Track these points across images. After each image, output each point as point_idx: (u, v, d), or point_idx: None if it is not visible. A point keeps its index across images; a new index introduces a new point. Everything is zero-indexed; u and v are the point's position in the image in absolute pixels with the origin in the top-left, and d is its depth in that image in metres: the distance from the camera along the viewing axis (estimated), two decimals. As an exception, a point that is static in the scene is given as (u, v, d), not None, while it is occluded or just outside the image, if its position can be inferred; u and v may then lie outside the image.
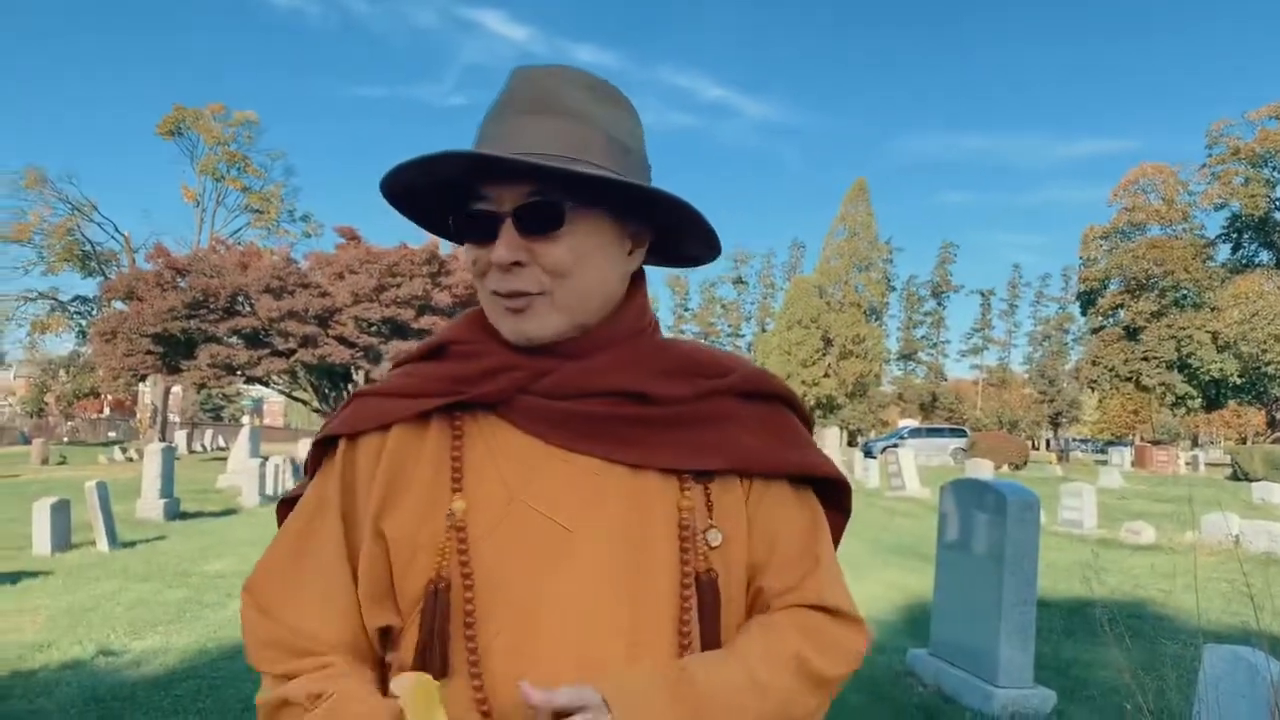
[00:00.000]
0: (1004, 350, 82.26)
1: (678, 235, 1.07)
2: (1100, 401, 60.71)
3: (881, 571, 9.94)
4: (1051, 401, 68.84)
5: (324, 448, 1.07)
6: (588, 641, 0.92)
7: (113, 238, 53.02)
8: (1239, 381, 52.05)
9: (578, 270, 0.97)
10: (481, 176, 0.96)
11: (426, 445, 1.00)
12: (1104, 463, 35.54)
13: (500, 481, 0.97)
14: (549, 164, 0.90)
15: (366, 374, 31.31)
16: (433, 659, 0.92)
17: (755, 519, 1.04)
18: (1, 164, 74.76)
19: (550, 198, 0.94)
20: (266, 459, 18.36)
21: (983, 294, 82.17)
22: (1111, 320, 58.76)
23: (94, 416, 59.57)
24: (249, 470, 17.00)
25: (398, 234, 39.77)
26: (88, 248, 51.86)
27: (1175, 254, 53.90)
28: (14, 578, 8.32)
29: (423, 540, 0.95)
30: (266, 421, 73.15)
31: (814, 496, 1.12)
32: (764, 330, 74.92)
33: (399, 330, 30.94)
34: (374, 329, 31.00)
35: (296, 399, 37.29)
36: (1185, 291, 54.69)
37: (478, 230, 0.97)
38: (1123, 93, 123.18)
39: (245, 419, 67.58)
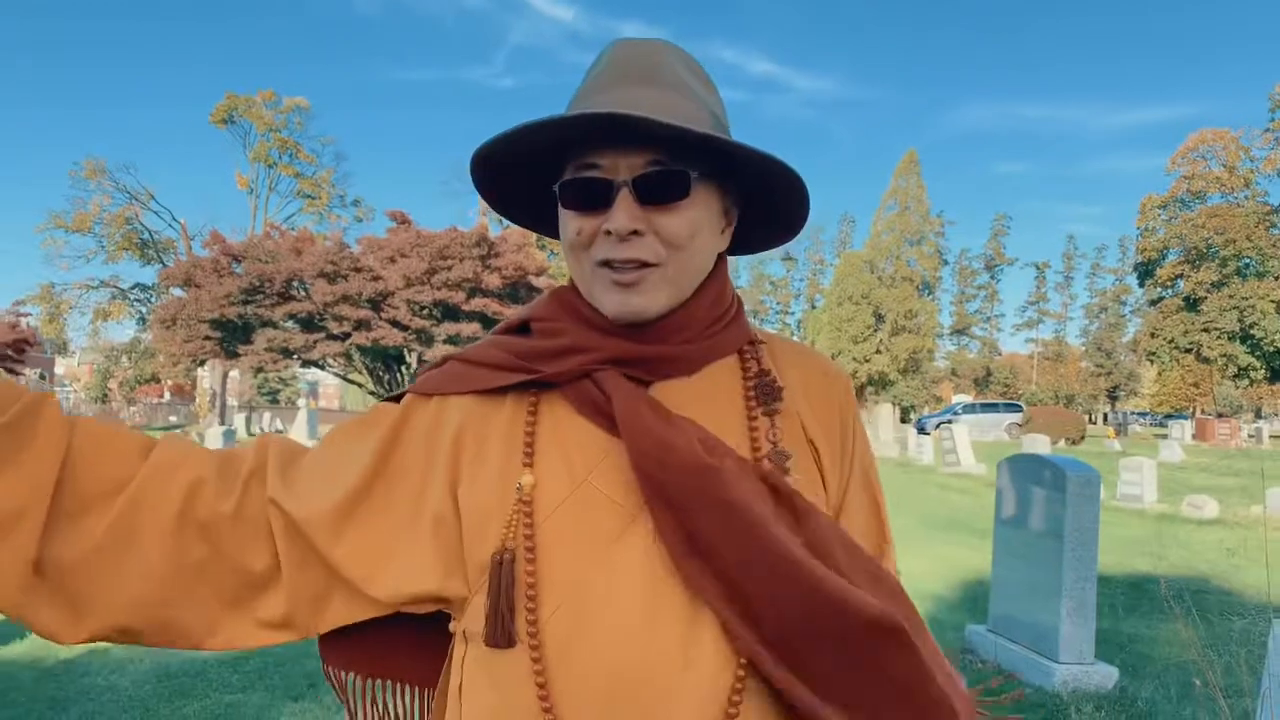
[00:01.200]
0: (1059, 323, 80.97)
1: (753, 219, 1.07)
2: (1159, 374, 59.61)
3: (936, 547, 9.89)
4: (1109, 375, 67.71)
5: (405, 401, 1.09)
6: (645, 624, 0.89)
7: (170, 226, 54.01)
8: (1304, 351, 50.78)
9: (691, 244, 0.96)
10: (595, 144, 0.93)
11: (502, 418, 1.00)
12: (1164, 436, 34.90)
13: (566, 461, 0.96)
14: (700, 130, 0.88)
15: (419, 356, 31.64)
16: (500, 630, 0.91)
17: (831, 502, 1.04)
18: (61, 155, 76.59)
19: (675, 167, 0.92)
20: (324, 441, 18.66)
21: (1037, 266, 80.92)
22: (1171, 291, 57.57)
23: (155, 401, 60.87)
24: (307, 452, 17.28)
25: (447, 217, 39.88)
26: (146, 236, 52.85)
27: (1237, 222, 52.60)
28: (85, 559, 8.57)
29: (492, 512, 0.95)
30: (322, 404, 74.20)
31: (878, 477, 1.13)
32: (813, 307, 74.45)
33: (450, 313, 31.19)
34: (426, 312, 31.28)
35: (351, 382, 37.78)
36: (1248, 260, 53.37)
37: (588, 198, 0.94)
38: (1182, 57, 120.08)
39: (301, 402, 68.69)
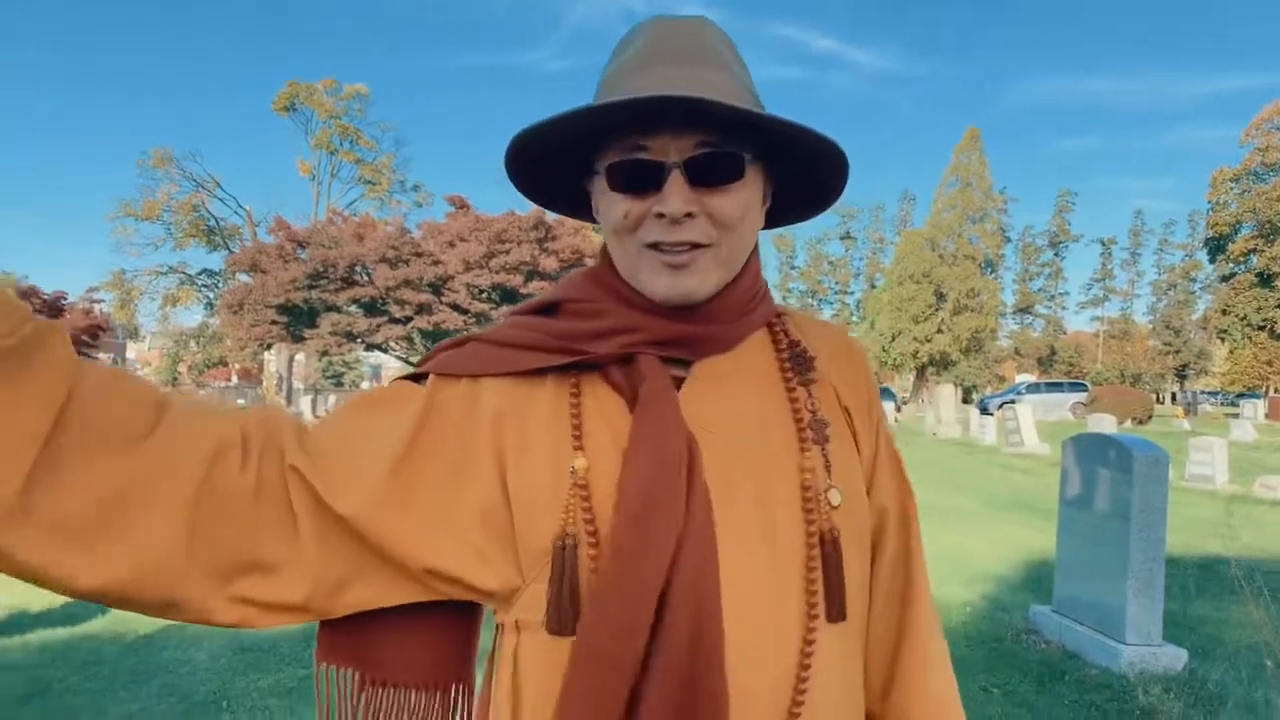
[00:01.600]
0: (1126, 301, 79.20)
1: (788, 194, 1.08)
2: (1231, 352, 58.06)
3: (1000, 528, 9.79)
4: (1178, 353, 66.15)
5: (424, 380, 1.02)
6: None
7: (235, 212, 55.11)
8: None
9: (741, 225, 0.95)
10: (644, 126, 0.91)
11: (543, 400, 0.97)
12: (1235, 416, 34.06)
13: (615, 442, 0.94)
14: (758, 111, 0.89)
15: (479, 339, 31.96)
16: (564, 618, 0.89)
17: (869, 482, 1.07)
18: (130, 145, 78.51)
19: (728, 148, 0.91)
20: (387, 423, 18.95)
21: (1103, 243, 79.18)
22: (1243, 267, 56.03)
23: (223, 384, 62.19)
24: (371, 434, 17.56)
25: (505, 201, 40.26)
26: (212, 223, 53.95)
27: (1314, 195, 51.02)
28: (161, 537, 8.84)
29: (547, 497, 0.92)
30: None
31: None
32: (873, 287, 73.67)
33: (509, 296, 31.46)
34: (484, 295, 31.61)
35: (413, 364, 38.26)
36: (1324, 234, 51.79)
37: (637, 180, 0.92)
38: (1259, 23, 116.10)
39: (365, 384, 69.70)
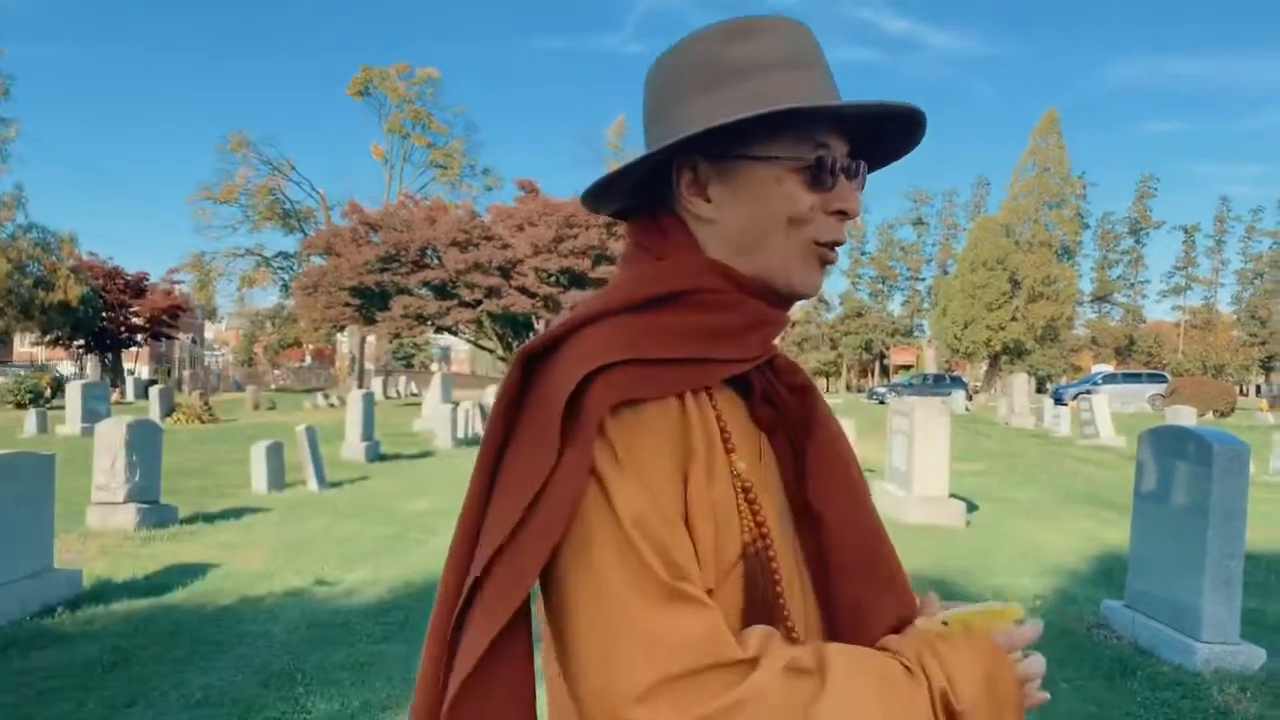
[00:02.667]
0: (1210, 290, 76.95)
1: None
2: (1320, 343, 56.19)
3: (1073, 521, 9.62)
4: (1263, 344, 64.16)
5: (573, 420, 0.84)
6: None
7: (310, 196, 56.13)
8: None
9: None
10: (825, 128, 0.95)
11: (693, 406, 0.91)
12: (1323, 410, 32.96)
13: (749, 443, 0.97)
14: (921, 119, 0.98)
15: (547, 323, 32.14)
16: (764, 620, 0.90)
17: None
18: (210, 130, 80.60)
19: (861, 157, 0.98)
20: (458, 404, 19.22)
21: (1186, 230, 76.95)
22: (1335, 255, 54.10)
23: (297, 365, 63.51)
24: (442, 415, 17.83)
25: (574, 185, 40.37)
26: (288, 206, 55.03)
27: None
28: (238, 513, 9.09)
29: (723, 503, 0.90)
30: (454, 369, 76.18)
31: None
32: (945, 273, 72.55)
33: (576, 280, 31.61)
34: (553, 279, 31.79)
35: (482, 347, 38.71)
36: None
37: (823, 177, 0.95)
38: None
39: (435, 366, 70.64)
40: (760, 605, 0.91)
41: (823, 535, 0.97)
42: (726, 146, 0.94)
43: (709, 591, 0.86)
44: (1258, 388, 63.82)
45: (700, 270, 0.96)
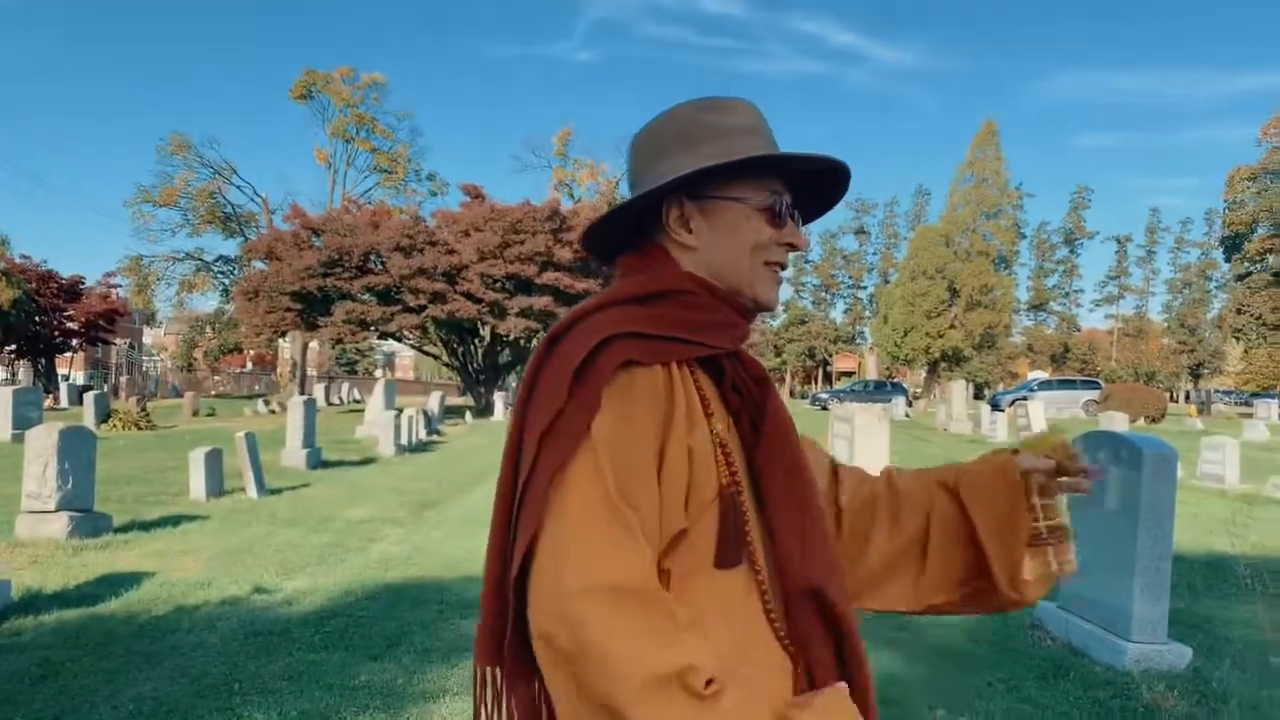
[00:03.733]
0: (1141, 299, 78.90)
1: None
2: (1246, 352, 57.74)
3: (1010, 525, 9.78)
4: (1192, 352, 65.83)
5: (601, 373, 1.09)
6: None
7: (252, 200, 55.25)
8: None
9: None
10: (780, 178, 1.26)
11: (678, 376, 1.15)
12: (1249, 416, 33.87)
13: (721, 412, 1.20)
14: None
15: (493, 329, 31.99)
16: (732, 555, 1.13)
17: None
18: (150, 131, 79.08)
19: (798, 207, 1.30)
20: (400, 411, 19.04)
21: (1119, 240, 78.86)
22: (1259, 266, 55.74)
23: (238, 371, 62.49)
24: (385, 421, 17.65)
25: (521, 191, 40.29)
26: (229, 210, 54.11)
27: (1331, 195, 50.66)
28: (175, 521, 8.92)
29: (700, 448, 1.12)
30: (398, 375, 75.44)
31: None
32: (886, 282, 73.33)
33: (523, 286, 31.48)
34: (499, 285, 31.61)
35: (427, 353, 38.39)
36: (1342, 234, 51.42)
37: (780, 216, 1.25)
38: (1278, 24, 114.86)
39: (378, 372, 69.90)
40: (731, 539, 1.13)
41: (765, 495, 1.18)
42: (705, 189, 1.23)
43: (683, 531, 1.10)
44: (1187, 394, 65.40)
45: (680, 278, 1.23)
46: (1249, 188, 56.10)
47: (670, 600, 1.03)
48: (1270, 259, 54.54)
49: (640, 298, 1.18)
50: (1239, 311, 55.51)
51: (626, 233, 1.28)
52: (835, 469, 1.48)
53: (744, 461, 1.18)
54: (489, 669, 1.13)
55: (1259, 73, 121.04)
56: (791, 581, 1.15)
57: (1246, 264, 56.63)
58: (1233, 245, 57.85)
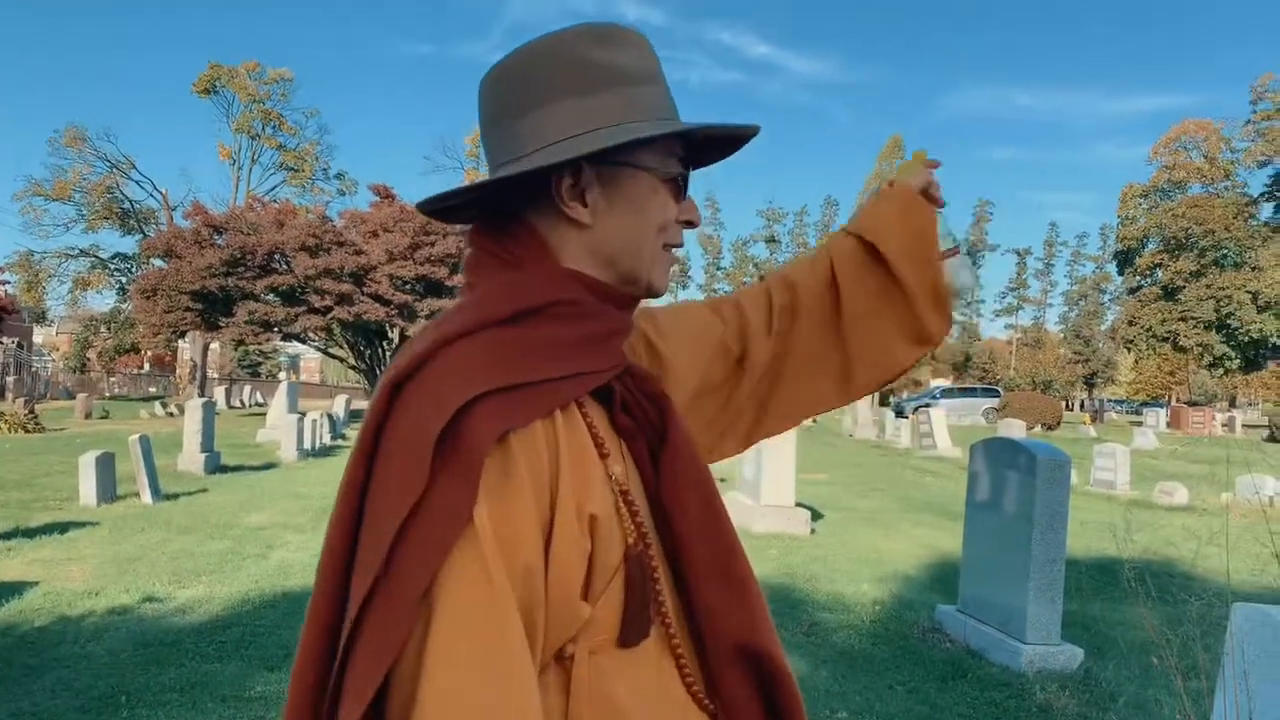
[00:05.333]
0: (1039, 310, 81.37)
1: None
2: (1136, 362, 60.12)
3: (911, 529, 10.00)
4: (1086, 362, 68.10)
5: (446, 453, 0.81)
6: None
7: (151, 196, 53.66)
8: (1279, 342, 51.35)
9: None
10: (675, 143, 1.02)
11: (561, 424, 0.90)
12: (1139, 424, 35.22)
13: (617, 444, 0.98)
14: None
15: (401, 331, 31.52)
16: (640, 629, 0.93)
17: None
18: (41, 123, 76.03)
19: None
20: (304, 414, 18.64)
21: (1018, 253, 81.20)
22: (1149, 280, 58.03)
23: (134, 372, 60.44)
24: (288, 425, 17.24)
25: (431, 191, 39.93)
26: (127, 205, 52.45)
27: (1216, 212, 53.02)
28: (62, 528, 8.56)
29: (602, 513, 0.90)
30: (303, 378, 73.87)
31: None
32: (797, 289, 74.29)
33: (433, 288, 31.10)
34: (409, 287, 31.17)
35: (333, 356, 37.62)
36: (1225, 251, 53.82)
37: (682, 189, 1.04)
38: (1178, 46, 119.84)
39: (282, 375, 68.32)
40: (638, 604, 0.93)
41: (677, 541, 0.97)
42: (610, 153, 0.94)
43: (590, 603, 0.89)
44: (1081, 403, 67.66)
45: (558, 280, 0.96)
46: (1141, 204, 58.41)
47: None
48: (1159, 273, 56.79)
49: (510, 318, 0.91)
50: (1130, 323, 57.66)
51: (485, 200, 1.02)
52: (740, 307, 1.29)
53: (646, 503, 0.96)
54: None
55: (1151, 95, 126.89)
56: (715, 639, 0.96)
57: (1138, 278, 58.89)
58: (1125, 259, 60.13)
